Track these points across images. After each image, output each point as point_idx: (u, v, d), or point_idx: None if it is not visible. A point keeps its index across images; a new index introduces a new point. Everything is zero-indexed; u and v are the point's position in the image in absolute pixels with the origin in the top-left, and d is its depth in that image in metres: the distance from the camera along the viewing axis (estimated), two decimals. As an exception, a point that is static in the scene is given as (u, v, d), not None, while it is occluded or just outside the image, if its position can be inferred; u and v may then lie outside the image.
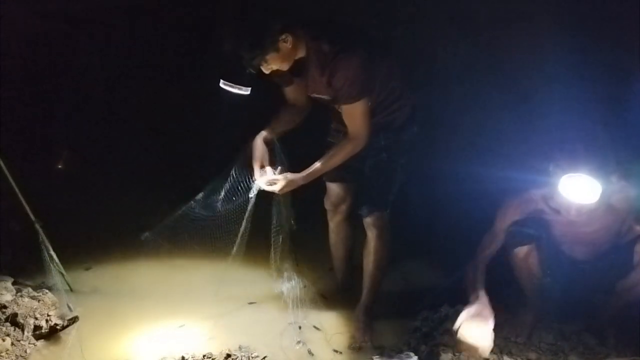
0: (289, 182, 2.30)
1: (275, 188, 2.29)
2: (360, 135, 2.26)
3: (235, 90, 2.14)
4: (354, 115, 2.23)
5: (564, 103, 2.31)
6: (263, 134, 2.40)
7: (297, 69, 2.23)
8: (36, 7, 3.15)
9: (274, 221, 2.46)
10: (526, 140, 2.44)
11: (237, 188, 2.39)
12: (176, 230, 2.56)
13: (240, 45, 2.04)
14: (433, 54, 2.67)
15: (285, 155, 2.43)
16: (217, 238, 2.52)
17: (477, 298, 2.15)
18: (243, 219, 2.40)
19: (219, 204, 2.45)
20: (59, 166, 3.77)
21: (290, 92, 2.44)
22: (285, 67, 2.18)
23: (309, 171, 2.31)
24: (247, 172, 2.38)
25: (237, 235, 2.44)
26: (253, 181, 2.34)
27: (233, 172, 2.41)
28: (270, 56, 2.09)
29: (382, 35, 2.45)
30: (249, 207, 2.36)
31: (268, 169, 2.34)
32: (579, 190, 1.86)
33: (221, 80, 2.14)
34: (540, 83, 2.49)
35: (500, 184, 2.23)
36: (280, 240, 2.50)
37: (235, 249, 2.47)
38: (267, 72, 2.16)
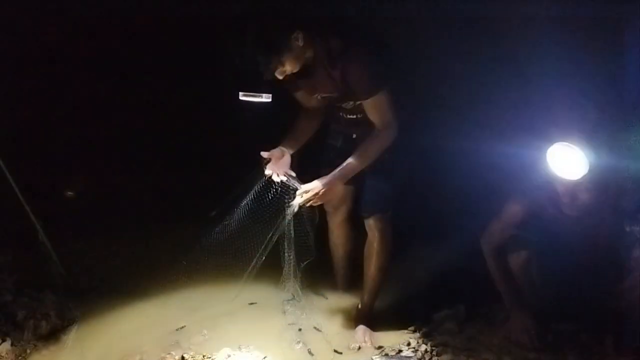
0: (325, 185, 2.17)
1: (313, 198, 2.16)
2: (391, 126, 2.20)
3: (256, 99, 2.13)
4: (380, 107, 2.17)
5: (556, 76, 2.22)
6: (282, 148, 2.33)
7: (303, 72, 2.18)
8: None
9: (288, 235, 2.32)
10: (518, 114, 2.39)
11: (263, 203, 2.26)
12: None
13: (256, 51, 2.00)
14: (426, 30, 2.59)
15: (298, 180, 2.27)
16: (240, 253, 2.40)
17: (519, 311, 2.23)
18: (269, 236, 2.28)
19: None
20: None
21: (301, 97, 2.40)
22: (297, 68, 2.12)
23: (341, 170, 2.20)
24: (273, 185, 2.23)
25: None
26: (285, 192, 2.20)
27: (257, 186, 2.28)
28: (285, 57, 2.05)
29: (381, 33, 2.42)
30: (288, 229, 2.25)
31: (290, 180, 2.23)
32: (567, 163, 1.85)
33: (240, 93, 2.13)
34: (533, 56, 2.42)
35: (493, 160, 2.18)
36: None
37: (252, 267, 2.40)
38: (281, 77, 2.10)
